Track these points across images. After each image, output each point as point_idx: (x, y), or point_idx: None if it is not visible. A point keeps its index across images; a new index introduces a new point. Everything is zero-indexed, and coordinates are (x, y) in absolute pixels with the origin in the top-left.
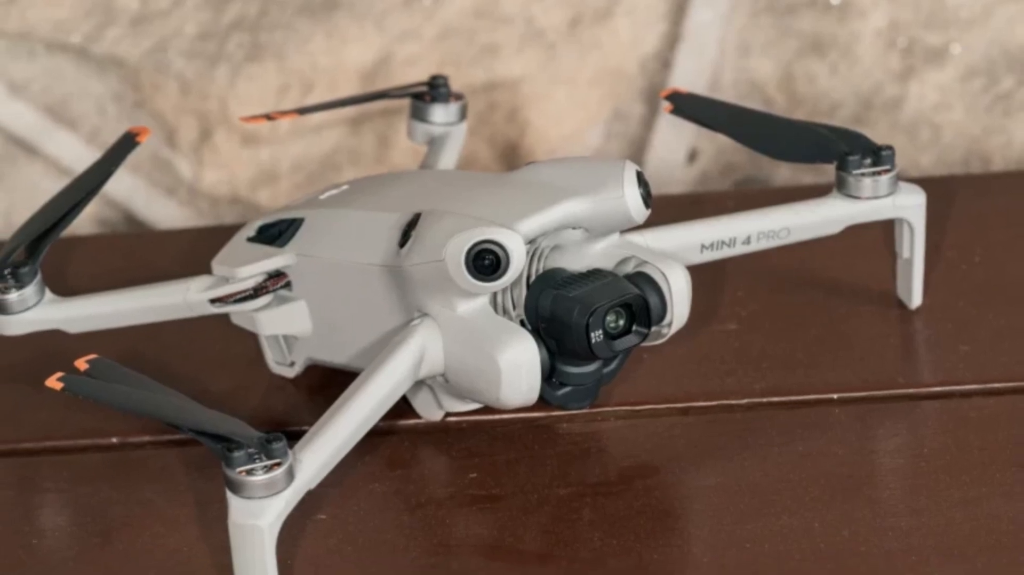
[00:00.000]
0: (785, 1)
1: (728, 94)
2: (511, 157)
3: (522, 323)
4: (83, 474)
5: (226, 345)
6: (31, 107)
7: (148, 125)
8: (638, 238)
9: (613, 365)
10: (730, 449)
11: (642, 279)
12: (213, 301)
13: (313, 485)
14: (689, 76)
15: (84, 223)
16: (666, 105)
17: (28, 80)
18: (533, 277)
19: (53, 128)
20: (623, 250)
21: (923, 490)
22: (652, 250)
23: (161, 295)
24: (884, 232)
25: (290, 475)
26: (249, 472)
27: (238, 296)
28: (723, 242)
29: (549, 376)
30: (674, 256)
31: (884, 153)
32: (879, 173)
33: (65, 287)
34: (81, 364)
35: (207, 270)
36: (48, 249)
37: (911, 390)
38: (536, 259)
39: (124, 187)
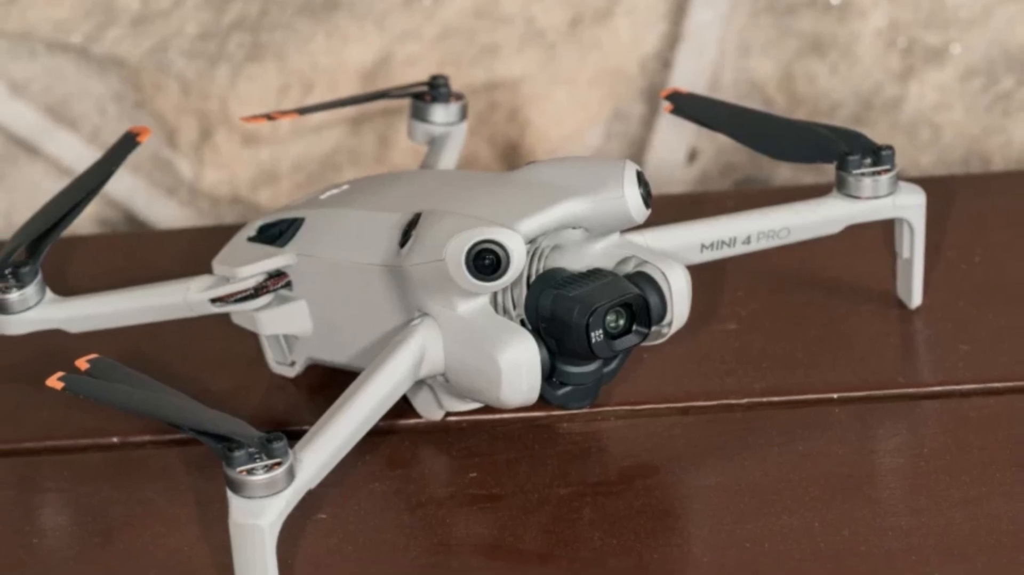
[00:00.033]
0: (785, 1)
1: (728, 94)
2: (511, 157)
3: (522, 323)
4: (84, 473)
5: (227, 345)
6: (32, 107)
7: (149, 125)
8: (638, 238)
9: (613, 365)
10: (730, 449)
11: (642, 279)
12: (214, 301)
13: (313, 485)
14: (689, 76)
15: (85, 223)
16: (666, 105)
17: (29, 80)
18: (533, 277)
19: (54, 128)
20: (623, 250)
21: (923, 490)
22: (652, 250)
23: (162, 295)
24: (884, 232)
25: (290, 475)
26: (250, 472)
27: (239, 296)
28: (723, 242)
29: (549, 376)
30: (674, 256)
31: (884, 153)
32: (879, 173)
33: (66, 287)
34: (82, 364)
35: (208, 270)
36: (49, 249)
37: (911, 390)
38: (536, 259)
39: (125, 187)
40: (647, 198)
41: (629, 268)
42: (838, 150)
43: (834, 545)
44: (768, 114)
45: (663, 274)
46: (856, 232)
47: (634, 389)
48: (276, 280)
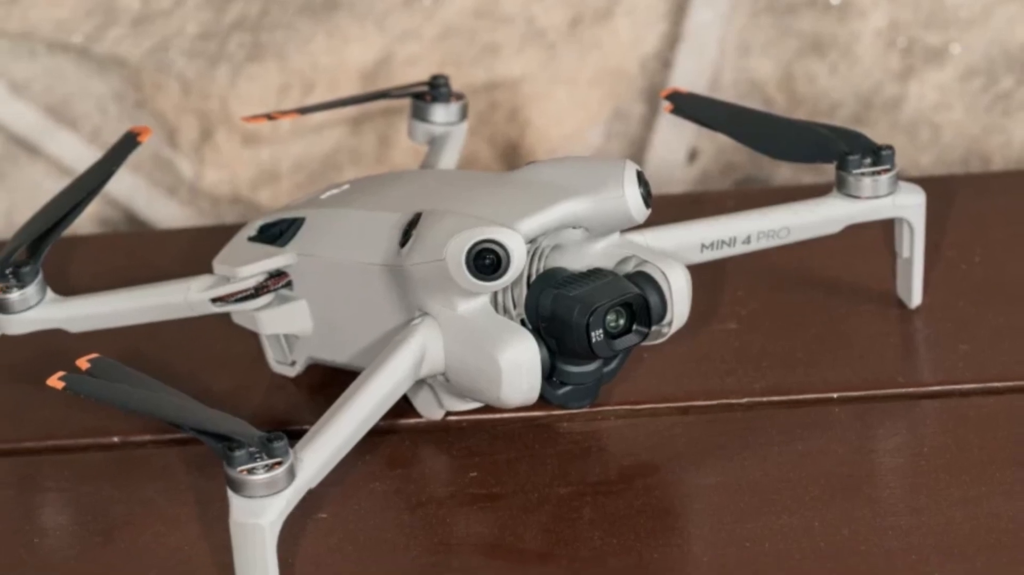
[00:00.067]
0: (785, 1)
1: (728, 94)
2: (512, 157)
3: (523, 322)
4: (84, 473)
5: (227, 344)
6: (32, 107)
7: (149, 125)
8: (638, 237)
9: (613, 364)
10: (730, 448)
11: (642, 278)
12: (214, 300)
13: (314, 484)
14: (689, 76)
15: (85, 222)
16: (666, 105)
17: (29, 80)
18: (534, 276)
19: (54, 128)
20: (623, 249)
21: (923, 489)
22: (652, 249)
23: (162, 294)
24: (884, 231)
25: (291, 474)
26: (250, 471)
27: (239, 295)
28: (723, 241)
29: (549, 375)
30: (674, 255)
31: (884, 153)
32: (879, 173)
33: (66, 286)
34: (82, 363)
35: (208, 269)
36: (50, 248)
37: (911, 389)
38: (536, 258)
39: (125, 187)
40: (647, 198)
41: (629, 268)
42: (838, 150)
43: (834, 544)
44: (768, 114)
45: (663, 274)
46: (856, 232)
47: (634, 388)
48: (277, 280)
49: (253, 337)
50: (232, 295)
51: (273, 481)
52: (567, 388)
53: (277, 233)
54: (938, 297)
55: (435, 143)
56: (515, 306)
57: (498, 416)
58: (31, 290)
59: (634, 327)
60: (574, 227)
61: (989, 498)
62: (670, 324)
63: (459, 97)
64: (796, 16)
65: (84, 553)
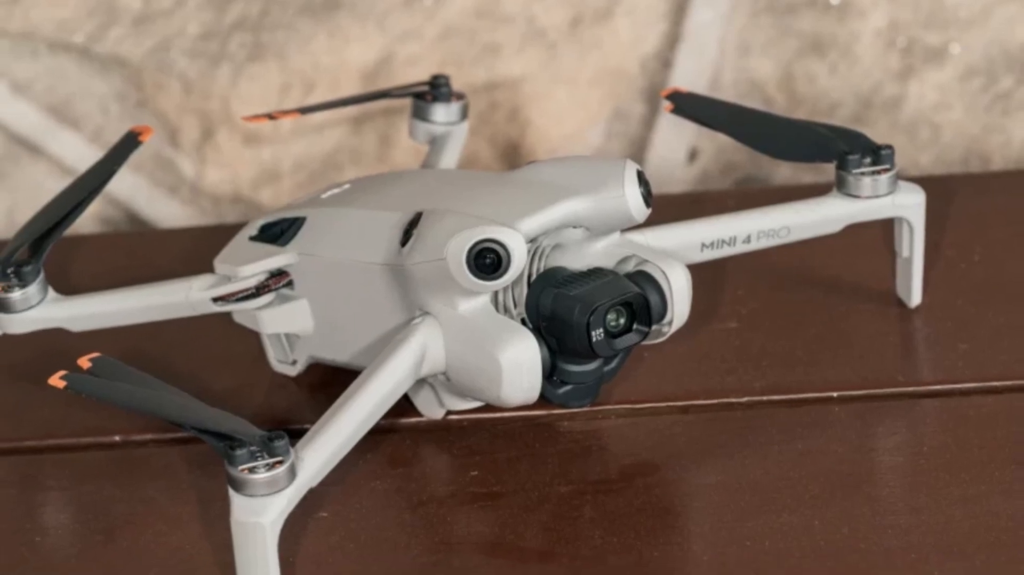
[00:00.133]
0: (785, 1)
1: (728, 94)
2: (512, 156)
3: (523, 322)
4: (86, 472)
5: (228, 343)
6: (34, 107)
7: (151, 124)
8: (639, 237)
9: (614, 363)
10: (730, 447)
11: (643, 278)
12: (215, 300)
13: (315, 483)
14: (689, 76)
15: (87, 222)
16: (666, 104)
17: (31, 80)
18: (534, 276)
19: (56, 128)
20: (624, 249)
21: (923, 488)
22: (653, 249)
23: (164, 294)
24: (884, 231)
25: (292, 473)
26: (251, 470)
27: (240, 295)
28: (723, 241)
29: (550, 374)
30: (675, 255)
31: (884, 152)
32: (879, 172)
33: (68, 286)
34: (84, 362)
35: (209, 269)
36: (51, 248)
37: (911, 388)
38: (537, 258)
39: (127, 186)
40: (647, 197)
41: (630, 267)
42: (838, 149)
43: (834, 543)
44: (768, 113)
45: (663, 273)
46: (856, 231)
47: (634, 388)
48: (278, 279)
49: (254, 336)
50: (233, 294)
51: (274, 480)
52: (568, 387)
53: (278, 232)
54: (938, 296)
55: (436, 143)
56: (516, 305)
57: (499, 415)
58: (32, 289)
59: (634, 326)
60: (575, 226)
61: (988, 497)
62: (670, 323)
63: (460, 97)
64: (796, 16)
65: (85, 552)
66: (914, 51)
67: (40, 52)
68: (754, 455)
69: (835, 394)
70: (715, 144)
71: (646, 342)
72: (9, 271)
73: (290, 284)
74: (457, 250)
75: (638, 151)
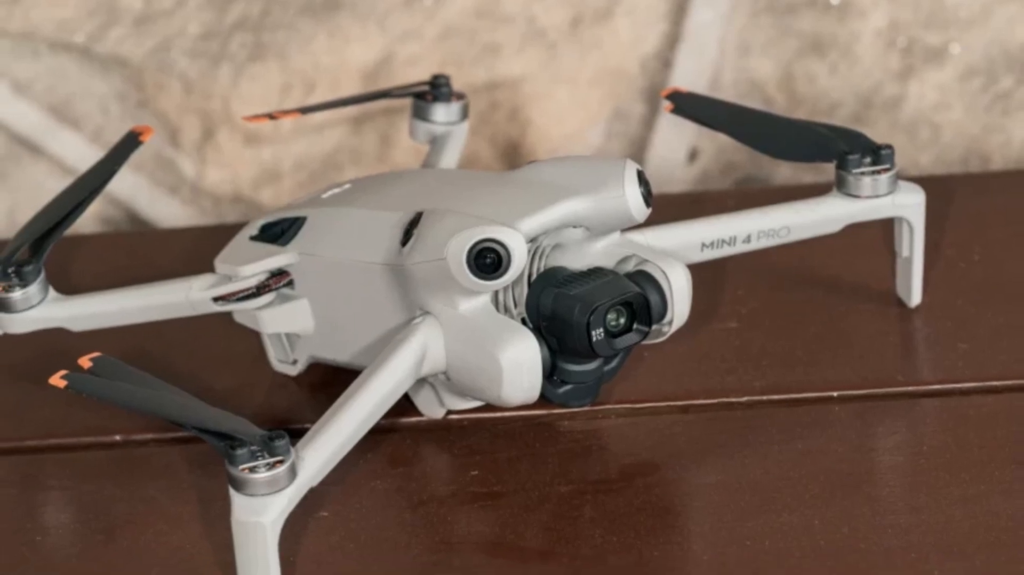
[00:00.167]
0: (785, 1)
1: (728, 93)
2: (512, 156)
3: (523, 321)
4: (86, 472)
5: (229, 343)
6: (35, 107)
7: (151, 124)
8: (639, 237)
9: (614, 363)
10: (730, 447)
11: (643, 277)
12: (216, 299)
13: (315, 482)
14: (689, 76)
15: (87, 222)
16: (667, 104)
17: (32, 80)
18: (534, 275)
19: (57, 127)
20: (624, 248)
21: (922, 488)
22: (653, 249)
23: (164, 293)
24: (884, 231)
25: (292, 472)
26: (252, 469)
27: (241, 294)
28: (723, 241)
29: (550, 374)
30: (675, 255)
31: (883, 152)
32: (878, 172)
33: (69, 285)
34: (85, 362)
35: (210, 268)
36: (52, 248)
37: (910, 388)
38: (537, 257)
39: (127, 186)
40: (648, 197)
41: (630, 267)
42: (838, 149)
43: (834, 543)
44: (768, 113)
45: (664, 273)
46: (856, 231)
47: (635, 387)
48: (278, 279)
49: (255, 336)
50: (234, 294)
51: (275, 479)
52: (568, 387)
53: (279, 232)
54: (937, 296)
55: (436, 142)
56: (516, 305)
57: (499, 415)
58: (33, 289)
59: (634, 326)
60: (575, 226)
61: (988, 496)
62: (670, 323)
63: (460, 97)
64: (796, 16)
65: (86, 551)
66: (914, 51)
67: (41, 52)
68: (754, 455)
69: (835, 394)
70: (715, 144)
71: (646, 342)
72: (10, 271)
73: (291, 284)
74: (457, 250)
75: (638, 151)
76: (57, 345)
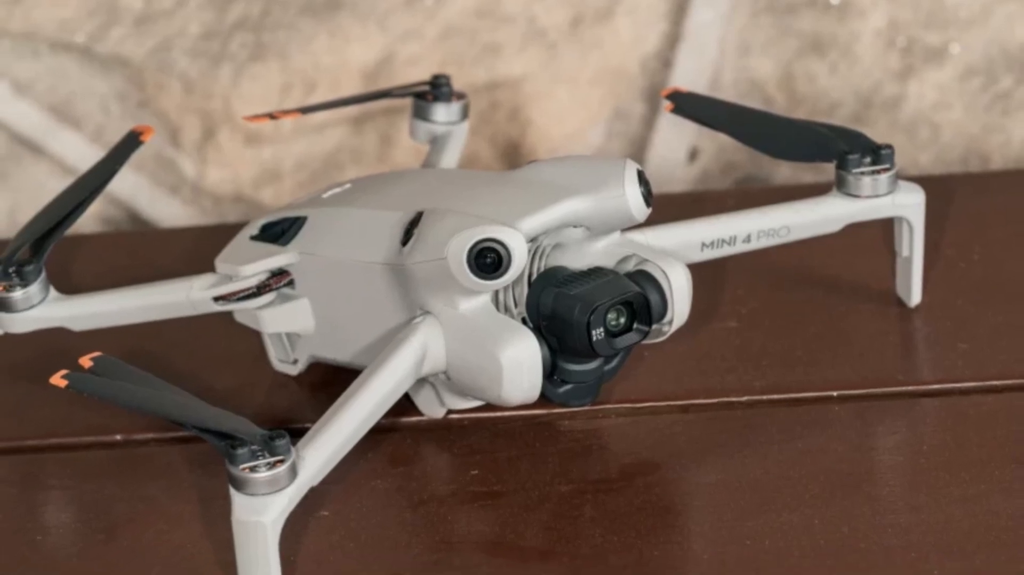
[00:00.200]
0: (785, 1)
1: (728, 93)
2: (513, 156)
3: (524, 321)
4: (87, 471)
5: (229, 343)
6: (36, 106)
7: (152, 124)
8: (639, 236)
9: (614, 363)
10: (730, 446)
11: (643, 277)
12: (217, 299)
13: (316, 482)
14: (690, 75)
15: (88, 221)
16: (667, 104)
17: (33, 80)
18: (535, 275)
19: (57, 127)
20: (624, 248)
21: (922, 487)
22: (653, 248)
23: (165, 293)
24: (883, 230)
25: (293, 472)
26: (252, 469)
27: (241, 294)
28: (723, 240)
29: (550, 374)
30: (675, 254)
31: (883, 152)
32: (878, 172)
33: (69, 285)
34: (85, 362)
35: (211, 268)
36: (52, 247)
37: (910, 387)
38: (537, 257)
39: (128, 186)
40: (648, 197)
41: (630, 266)
42: (838, 149)
43: (834, 542)
44: (768, 113)
45: (664, 272)
46: (856, 231)
47: (635, 387)
48: (279, 278)
49: (255, 336)
50: (234, 294)
51: (275, 479)
52: (568, 386)
53: (279, 232)
54: (937, 296)
55: (436, 142)
56: (516, 305)
57: (499, 414)
58: (34, 289)
59: (635, 325)
60: (575, 226)
61: (988, 496)
62: (671, 323)
63: (460, 96)
64: (796, 16)
65: (86, 551)
66: (914, 51)
67: (41, 52)
68: (754, 454)
69: (835, 393)
70: (715, 144)
71: (646, 341)
72: (11, 270)
73: (291, 283)
74: (458, 249)
75: (638, 151)
76: (58, 345)
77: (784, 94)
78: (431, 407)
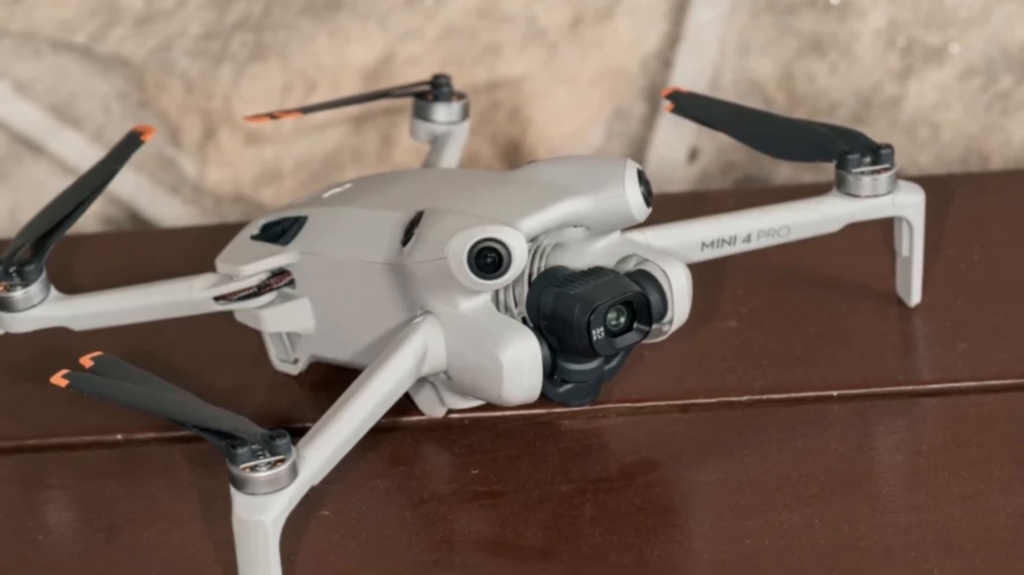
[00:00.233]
0: (785, 1)
1: (728, 93)
2: (513, 156)
3: (524, 321)
4: (88, 470)
5: (230, 342)
6: (36, 106)
7: (152, 124)
8: (639, 236)
9: (614, 362)
10: (730, 446)
11: (643, 277)
12: (217, 299)
13: (316, 481)
14: (690, 75)
15: (89, 221)
16: (667, 104)
17: (34, 79)
18: (535, 275)
19: (58, 127)
20: (624, 248)
21: (922, 486)
22: (653, 248)
23: (165, 293)
24: (883, 230)
25: (293, 471)
26: (253, 468)
27: (242, 294)
28: (723, 240)
29: (551, 373)
30: (675, 254)
31: (883, 152)
32: (878, 172)
33: (70, 285)
34: (86, 361)
35: (211, 268)
36: (53, 247)
37: (910, 387)
38: (538, 257)
39: (129, 185)
40: (648, 196)
41: (630, 266)
42: (838, 149)
43: (834, 541)
44: (768, 113)
45: (664, 272)
46: (856, 230)
47: (635, 386)
48: (279, 278)
49: (256, 335)
50: (235, 293)
51: (276, 478)
52: (568, 386)
53: (280, 232)
54: (937, 295)
55: (437, 142)
56: (516, 304)
57: (499, 414)
58: (35, 288)
59: (635, 325)
60: (575, 226)
61: (988, 495)
62: (671, 322)
63: (461, 96)
64: (796, 16)
65: (87, 550)
66: (914, 51)
67: (42, 52)
68: (754, 454)
69: (835, 393)
70: (715, 144)
71: (646, 341)
72: (11, 270)
73: (291, 283)
74: (458, 249)
75: (639, 150)
76: (58, 344)
77: (784, 94)
78: (431, 407)
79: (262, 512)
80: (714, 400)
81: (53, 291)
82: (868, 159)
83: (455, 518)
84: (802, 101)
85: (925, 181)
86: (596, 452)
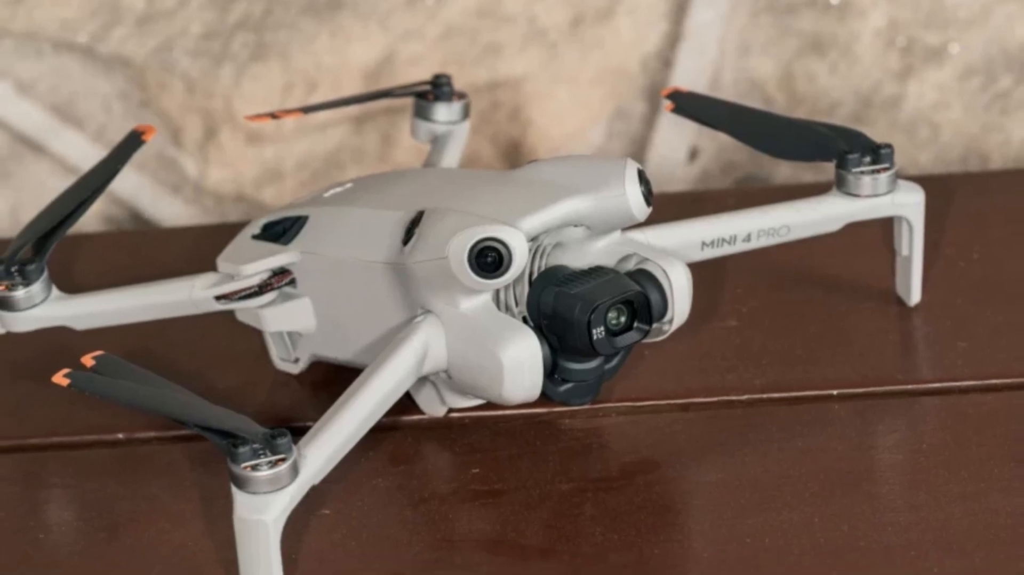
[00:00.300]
0: (785, 1)
1: (728, 93)
2: (513, 155)
3: (524, 320)
4: (89, 470)
5: (231, 342)
6: (38, 106)
7: (154, 124)
8: (639, 235)
9: (615, 362)
10: (731, 445)
11: (643, 276)
12: (218, 298)
13: (317, 480)
14: (690, 75)
15: (90, 221)
16: (667, 104)
17: (35, 79)
18: (535, 274)
19: (60, 127)
20: (624, 247)
21: (922, 485)
22: (653, 247)
23: (167, 292)
24: (883, 230)
25: (294, 470)
26: (254, 467)
27: (243, 293)
28: (724, 239)
29: (551, 372)
30: (675, 253)
31: (883, 151)
32: (878, 171)
33: (71, 284)
34: (87, 360)
35: (212, 267)
36: (55, 246)
37: (910, 386)
38: (538, 256)
39: (130, 185)
40: (648, 196)
41: (630, 266)
42: (838, 148)
43: (834, 540)
44: (768, 113)
45: (664, 271)
46: (855, 230)
47: (635, 385)
48: (280, 277)
49: (257, 334)
50: (236, 293)
51: (277, 477)
52: (569, 385)
53: (281, 231)
54: (937, 295)
55: (437, 142)
56: (517, 304)
57: (500, 413)
58: (36, 288)
59: (635, 324)
60: (576, 225)
61: (987, 494)
62: (671, 322)
63: (461, 96)
64: (796, 16)
65: (88, 549)
66: (914, 51)
67: (44, 52)
68: (754, 453)
69: (835, 392)
70: (715, 143)
71: (647, 340)
72: (13, 269)
73: (292, 282)
74: (459, 249)
75: (639, 150)
76: (60, 343)
77: (784, 94)
78: (432, 406)
79: (263, 511)
80: (714, 399)
81: (54, 290)
82: (868, 159)
83: (456, 517)
84: (802, 101)
85: (925, 181)
86: (596, 451)
